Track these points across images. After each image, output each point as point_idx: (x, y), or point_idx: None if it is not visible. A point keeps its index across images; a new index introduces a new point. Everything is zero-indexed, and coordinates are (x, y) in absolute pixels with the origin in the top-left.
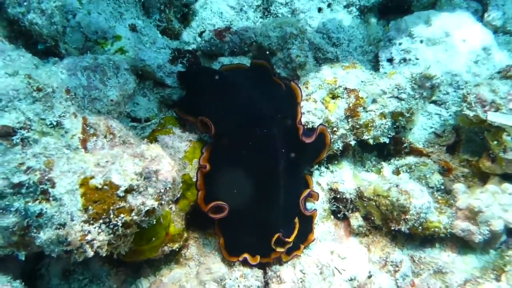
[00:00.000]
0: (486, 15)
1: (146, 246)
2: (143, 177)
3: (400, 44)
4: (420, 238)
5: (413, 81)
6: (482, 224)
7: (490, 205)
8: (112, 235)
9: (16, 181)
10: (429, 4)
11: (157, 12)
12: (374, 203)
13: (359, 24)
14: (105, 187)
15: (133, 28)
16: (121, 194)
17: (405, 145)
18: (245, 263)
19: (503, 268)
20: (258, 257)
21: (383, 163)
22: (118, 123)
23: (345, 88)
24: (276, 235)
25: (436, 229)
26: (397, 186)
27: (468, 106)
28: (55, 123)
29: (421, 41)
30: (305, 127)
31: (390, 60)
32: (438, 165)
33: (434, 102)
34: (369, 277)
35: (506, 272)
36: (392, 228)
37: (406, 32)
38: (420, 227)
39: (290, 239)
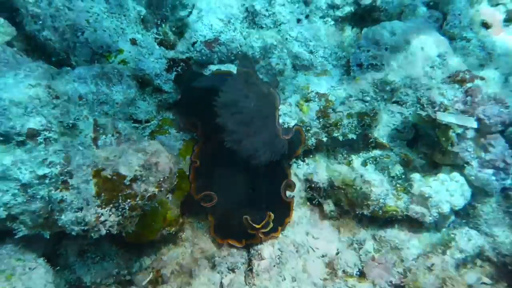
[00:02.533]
0: (445, 23)
1: (147, 230)
2: (145, 168)
3: (368, 51)
4: (381, 220)
5: (375, 86)
6: (432, 208)
7: (439, 191)
8: (121, 217)
9: (41, 173)
10: (396, 14)
11: (155, 26)
12: (343, 191)
13: (334, 32)
14: (114, 177)
15: (133, 42)
16: (128, 183)
17: (371, 140)
18: (232, 245)
19: (449, 244)
20: (244, 241)
21: (352, 156)
22: (123, 124)
23: (317, 93)
24: (244, 217)
25: (394, 212)
26: (361, 176)
27: (421, 107)
28: (71, 125)
29: (386, 49)
30: (282, 126)
31: (360, 65)
32: (400, 157)
33: (397, 102)
34: (337, 253)
35: (450, 247)
36: (357, 212)
37: (373, 40)
38: (380, 211)
39: (259, 226)
